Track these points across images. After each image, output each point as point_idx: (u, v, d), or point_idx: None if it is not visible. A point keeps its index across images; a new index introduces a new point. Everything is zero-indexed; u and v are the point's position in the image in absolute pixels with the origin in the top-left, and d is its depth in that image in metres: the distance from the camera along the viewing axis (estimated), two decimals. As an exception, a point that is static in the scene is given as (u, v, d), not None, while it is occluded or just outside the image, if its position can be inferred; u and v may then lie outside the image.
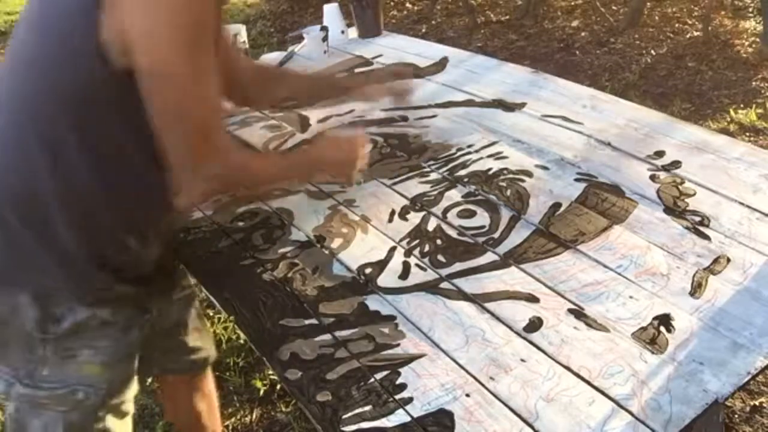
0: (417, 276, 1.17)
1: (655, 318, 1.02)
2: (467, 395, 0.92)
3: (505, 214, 1.30)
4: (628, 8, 4.52)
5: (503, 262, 1.18)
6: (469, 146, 1.56)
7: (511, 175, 1.43)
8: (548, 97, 1.76)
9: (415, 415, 0.90)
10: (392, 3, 5.44)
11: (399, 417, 0.91)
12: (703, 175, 1.36)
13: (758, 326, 0.99)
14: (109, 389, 1.10)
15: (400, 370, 0.98)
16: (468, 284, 1.13)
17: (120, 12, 0.88)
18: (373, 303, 1.12)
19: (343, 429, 0.90)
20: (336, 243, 1.28)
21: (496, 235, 1.25)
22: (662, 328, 1.00)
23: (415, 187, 1.44)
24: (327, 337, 1.06)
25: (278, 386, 1.94)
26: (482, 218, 1.30)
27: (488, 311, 1.07)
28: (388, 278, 1.17)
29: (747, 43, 3.90)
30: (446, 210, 1.34)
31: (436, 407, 0.91)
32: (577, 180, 1.39)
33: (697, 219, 1.23)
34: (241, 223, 1.39)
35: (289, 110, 1.85)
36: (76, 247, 1.02)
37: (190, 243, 1.35)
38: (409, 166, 1.52)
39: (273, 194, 1.45)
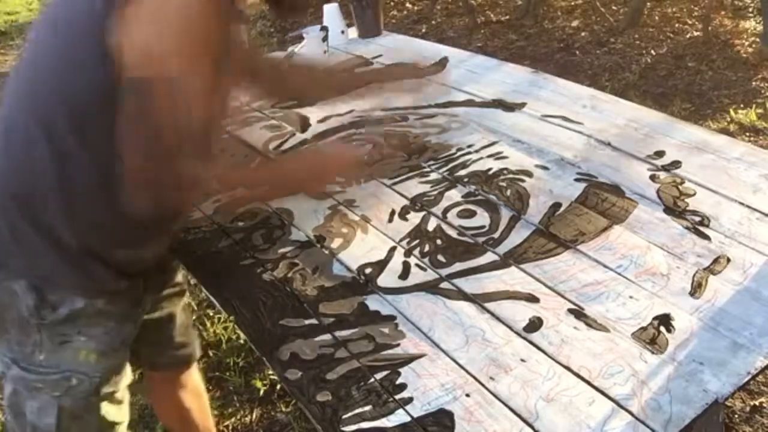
0: (417, 276, 1.17)
1: (655, 318, 1.02)
2: (467, 395, 0.92)
3: (505, 214, 1.30)
4: (628, 8, 4.52)
5: (503, 262, 1.18)
6: (469, 146, 1.56)
7: (511, 175, 1.43)
8: (548, 97, 1.76)
9: (415, 415, 0.90)
10: (392, 3, 5.44)
11: (399, 417, 0.91)
12: (703, 175, 1.36)
13: (758, 326, 0.99)
14: (102, 377, 1.12)
15: (400, 370, 0.98)
16: (468, 284, 1.13)
17: (126, 20, 0.89)
18: (373, 303, 1.12)
19: (343, 429, 0.90)
20: (336, 243, 1.28)
21: (496, 235, 1.25)
22: (662, 328, 1.00)
23: (415, 187, 1.44)
24: (327, 337, 1.06)
25: (278, 386, 1.94)
26: (482, 218, 1.30)
27: (488, 311, 1.07)
28: (388, 278, 1.17)
29: (747, 43, 3.90)
30: (446, 210, 1.34)
31: (436, 407, 0.91)
32: (577, 180, 1.39)
33: (697, 219, 1.23)
34: (241, 223, 1.39)
35: (291, 109, 1.85)
36: (75, 243, 1.03)
37: (190, 243, 1.35)
38: (409, 166, 1.52)
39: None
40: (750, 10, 4.28)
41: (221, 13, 0.93)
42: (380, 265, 1.21)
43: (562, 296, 1.08)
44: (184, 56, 0.91)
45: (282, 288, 1.18)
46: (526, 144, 1.55)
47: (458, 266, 1.18)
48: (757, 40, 3.87)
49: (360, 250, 1.26)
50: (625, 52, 4.05)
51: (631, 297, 1.06)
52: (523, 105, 1.73)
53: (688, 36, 4.13)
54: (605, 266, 1.14)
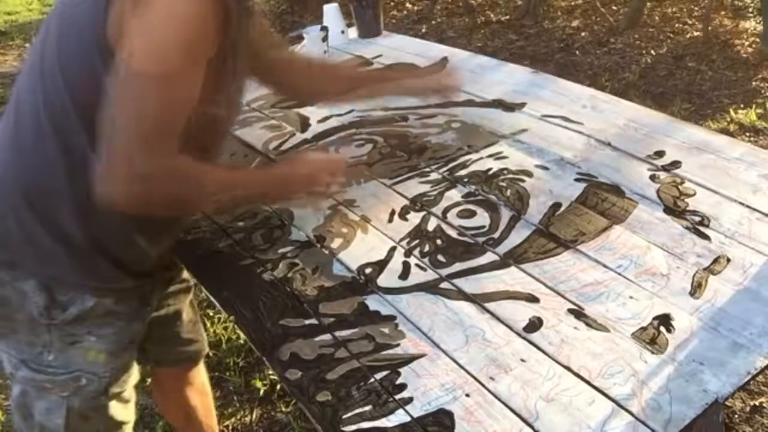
0: (417, 276, 1.17)
1: (655, 318, 1.02)
2: (467, 395, 0.92)
3: (505, 214, 1.30)
4: (628, 8, 4.52)
5: (503, 262, 1.18)
6: (469, 146, 1.56)
7: (511, 175, 1.43)
8: (548, 97, 1.76)
9: (415, 415, 0.90)
10: (392, 3, 5.45)
11: (399, 417, 0.91)
12: (703, 175, 1.36)
13: (758, 326, 0.99)
14: (111, 377, 1.13)
15: (400, 370, 0.98)
16: (468, 284, 1.13)
17: (125, 15, 0.90)
18: (373, 303, 1.12)
19: (343, 429, 0.90)
20: (336, 243, 1.28)
21: (496, 235, 1.25)
22: (662, 328, 1.00)
23: (415, 187, 1.44)
24: (327, 337, 1.06)
25: (278, 386, 1.94)
26: (482, 218, 1.30)
27: (488, 311, 1.07)
28: (388, 278, 1.17)
29: (747, 43, 3.90)
30: (446, 210, 1.34)
31: (436, 407, 0.91)
32: (577, 180, 1.39)
33: (697, 219, 1.23)
34: (241, 223, 1.39)
35: (291, 109, 1.85)
36: (84, 242, 1.04)
37: (190, 243, 1.35)
38: (409, 166, 1.52)
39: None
40: (750, 10, 4.28)
41: (223, 11, 0.93)
42: (380, 265, 1.20)
43: (562, 296, 1.08)
44: (180, 53, 0.91)
45: (282, 288, 1.18)
46: (526, 144, 1.55)
47: (458, 266, 1.18)
48: (757, 40, 3.88)
49: (360, 250, 1.26)
50: (625, 52, 4.05)
51: (631, 297, 1.06)
52: (523, 105, 1.73)
53: (688, 36, 4.13)
54: (605, 266, 1.14)
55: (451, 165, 1.50)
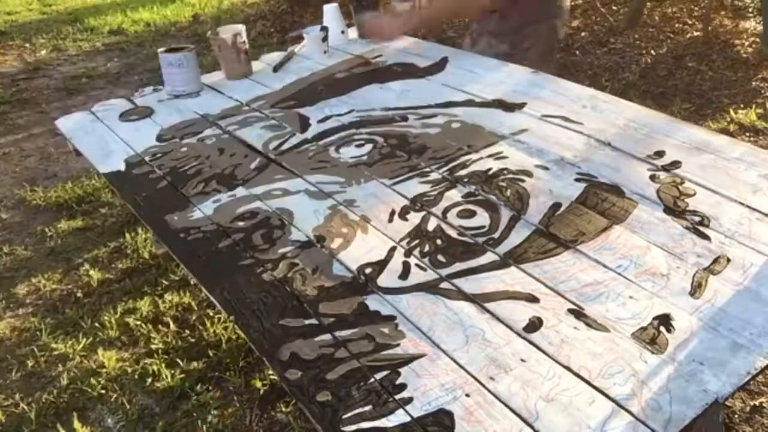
0: (417, 276, 1.17)
1: (655, 318, 1.02)
2: (467, 395, 0.92)
3: (505, 214, 1.30)
4: (628, 8, 4.52)
5: (503, 262, 1.18)
6: (469, 146, 1.56)
7: (511, 175, 1.43)
8: (548, 97, 1.76)
9: (415, 415, 0.90)
10: (392, 3, 5.43)
11: (399, 417, 0.91)
12: (703, 175, 1.36)
13: (758, 326, 0.99)
14: None
15: (400, 370, 0.98)
16: (468, 284, 1.13)
17: None
18: (373, 303, 1.12)
19: (343, 429, 0.90)
20: (336, 243, 1.28)
21: (496, 235, 1.25)
22: (662, 328, 1.00)
23: (415, 187, 1.44)
24: (327, 337, 1.06)
25: (278, 386, 1.94)
26: (482, 218, 1.30)
27: (488, 311, 1.07)
28: (388, 278, 1.17)
29: (747, 43, 3.90)
30: (446, 210, 1.34)
31: (436, 407, 0.91)
32: (577, 180, 1.39)
33: (697, 219, 1.23)
34: (241, 223, 1.39)
35: (291, 109, 1.85)
36: None
37: (190, 243, 1.36)
38: (409, 166, 1.52)
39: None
40: (750, 10, 4.28)
41: None
42: (380, 265, 1.21)
43: (562, 296, 1.08)
44: None
45: (282, 288, 1.18)
46: (526, 144, 1.55)
47: (458, 266, 1.18)
48: (757, 40, 3.88)
49: (360, 250, 1.26)
50: (625, 52, 4.05)
51: (631, 297, 1.06)
52: (523, 105, 1.73)
53: (688, 36, 4.13)
54: (605, 266, 1.14)
55: (451, 165, 1.50)
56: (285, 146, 1.69)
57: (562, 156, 1.48)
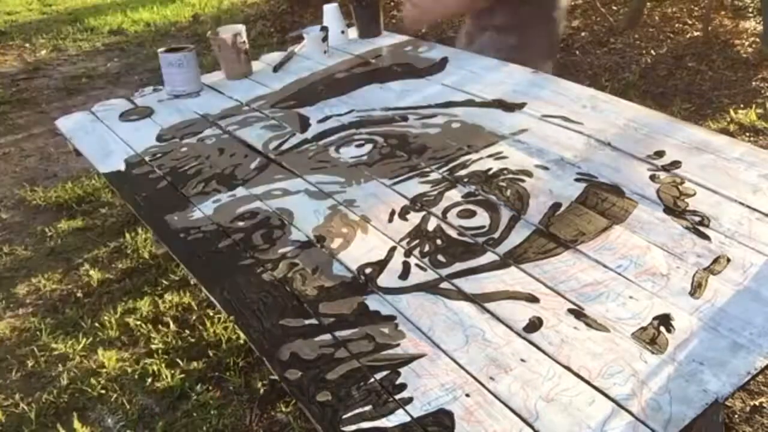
0: (417, 276, 1.17)
1: (655, 318, 1.02)
2: (467, 395, 0.92)
3: (505, 214, 1.30)
4: (628, 8, 4.52)
5: (503, 262, 1.18)
6: (469, 146, 1.56)
7: (511, 175, 1.43)
8: (548, 97, 1.76)
9: (415, 415, 0.90)
10: (392, 3, 5.44)
11: (399, 417, 0.91)
12: (703, 175, 1.36)
13: (758, 326, 0.99)
14: None
15: (400, 370, 0.98)
16: (468, 284, 1.13)
17: None
18: (373, 303, 1.12)
19: (343, 429, 0.90)
20: (336, 243, 1.28)
21: (496, 235, 1.25)
22: (662, 328, 1.00)
23: (415, 187, 1.44)
24: (327, 337, 1.06)
25: (278, 386, 1.94)
26: (482, 218, 1.30)
27: (488, 311, 1.07)
28: (388, 278, 1.17)
29: (747, 43, 3.90)
30: (446, 210, 1.34)
31: (436, 407, 0.91)
32: (577, 180, 1.39)
33: (697, 219, 1.23)
34: (241, 223, 1.39)
35: (291, 109, 1.85)
36: None
37: (190, 243, 1.35)
38: (409, 166, 1.52)
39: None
40: (750, 10, 4.28)
41: None
42: (380, 265, 1.21)
43: (562, 296, 1.08)
44: None
45: (282, 288, 1.18)
46: (526, 144, 1.55)
47: (458, 266, 1.18)
48: (757, 40, 3.88)
49: (360, 250, 1.26)
50: (625, 52, 4.05)
51: (631, 297, 1.06)
52: (523, 105, 1.73)
53: (688, 36, 4.13)
54: (605, 266, 1.14)
55: (451, 165, 1.50)
56: (285, 146, 1.69)
57: (562, 156, 1.48)
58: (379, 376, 0.97)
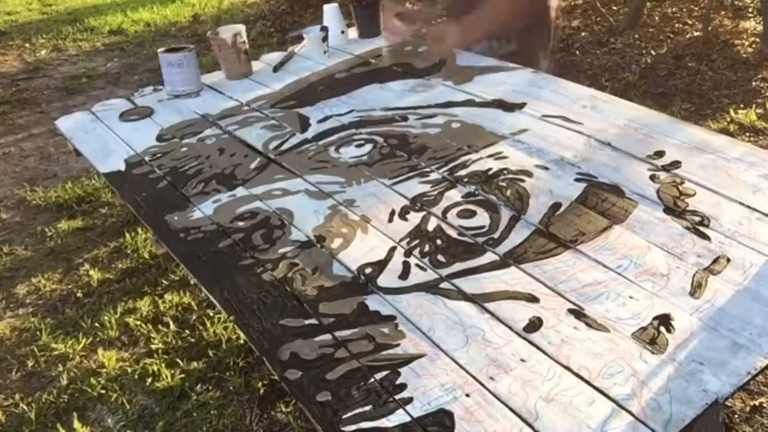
0: (417, 276, 1.17)
1: (655, 318, 1.02)
2: (467, 395, 0.92)
3: (505, 214, 1.30)
4: (628, 8, 4.52)
5: (503, 262, 1.18)
6: (469, 146, 1.56)
7: (511, 175, 1.43)
8: (548, 97, 1.76)
9: (415, 415, 0.90)
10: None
11: (399, 417, 0.91)
12: (703, 175, 1.36)
13: (758, 326, 0.99)
14: None
15: (400, 370, 0.98)
16: (468, 284, 1.13)
17: None
18: (373, 303, 1.12)
19: (343, 429, 0.90)
20: (336, 243, 1.28)
21: (496, 235, 1.25)
22: (662, 328, 1.00)
23: (415, 187, 1.44)
24: (327, 337, 1.06)
25: (278, 386, 1.94)
26: (482, 218, 1.30)
27: (488, 311, 1.07)
28: (388, 278, 1.17)
29: (747, 43, 3.90)
30: (446, 210, 1.34)
31: (436, 407, 0.91)
32: (577, 180, 1.39)
33: (697, 219, 1.23)
34: (241, 223, 1.39)
35: (291, 109, 1.85)
36: None
37: (190, 243, 1.36)
38: (409, 166, 1.52)
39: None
40: (750, 10, 4.28)
41: None
42: (380, 265, 1.21)
43: (562, 296, 1.08)
44: None
45: (282, 288, 1.18)
46: (526, 144, 1.55)
47: (458, 266, 1.18)
48: (757, 40, 3.88)
49: (360, 250, 1.26)
50: (625, 52, 4.05)
51: (631, 297, 1.06)
52: (523, 105, 1.73)
53: (688, 36, 4.13)
54: (605, 266, 1.14)
55: (451, 165, 1.50)
56: (285, 146, 1.69)
57: (562, 156, 1.48)
58: (379, 376, 0.97)
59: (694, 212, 1.25)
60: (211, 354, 2.10)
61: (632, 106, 1.71)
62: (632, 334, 0.99)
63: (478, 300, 1.09)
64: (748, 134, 3.06)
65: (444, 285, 1.14)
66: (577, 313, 1.04)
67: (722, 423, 0.92)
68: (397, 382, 0.96)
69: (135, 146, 1.80)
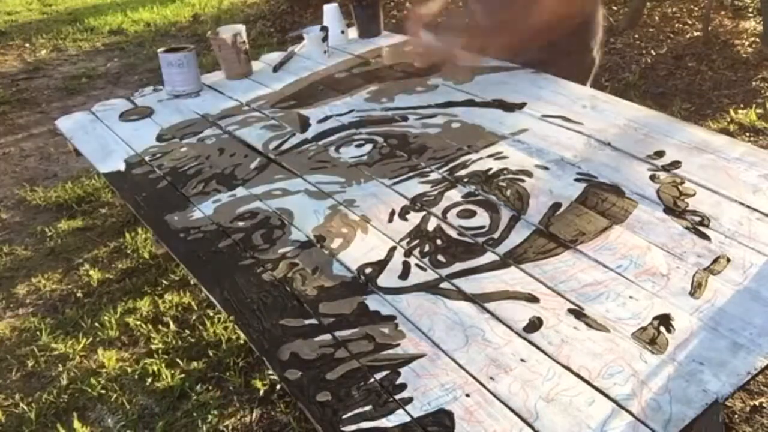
0: (417, 276, 1.17)
1: (655, 318, 1.02)
2: (467, 395, 0.92)
3: (505, 214, 1.30)
4: (628, 8, 4.52)
5: (503, 262, 1.18)
6: (469, 146, 1.56)
7: (511, 175, 1.43)
8: (548, 97, 1.76)
9: (415, 415, 0.90)
10: (392, 3, 5.45)
11: (399, 417, 0.91)
12: (703, 175, 1.36)
13: (758, 326, 0.99)
14: None
15: (400, 370, 0.98)
16: (468, 284, 1.13)
17: None
18: (373, 303, 1.12)
19: (343, 429, 0.90)
20: (336, 243, 1.28)
21: (496, 235, 1.25)
22: (662, 328, 1.00)
23: (415, 187, 1.44)
24: (327, 337, 1.06)
25: (278, 386, 1.94)
26: (482, 218, 1.30)
27: (488, 311, 1.07)
28: (388, 278, 1.17)
29: (747, 43, 3.90)
30: (446, 210, 1.34)
31: (436, 407, 0.91)
32: (577, 180, 1.39)
33: (697, 219, 1.23)
34: (241, 223, 1.39)
35: (291, 109, 1.85)
36: None
37: (190, 243, 1.35)
38: (409, 166, 1.52)
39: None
40: (750, 10, 4.28)
41: None
42: (380, 265, 1.21)
43: (562, 296, 1.08)
44: None
45: (282, 288, 1.18)
46: (526, 144, 1.55)
47: (458, 266, 1.18)
48: (757, 40, 3.88)
49: (360, 250, 1.26)
50: (625, 52, 4.05)
51: (631, 297, 1.06)
52: (523, 105, 1.73)
53: (688, 36, 4.13)
54: (605, 266, 1.14)
55: (451, 165, 1.50)
56: (285, 146, 1.69)
57: (562, 156, 1.48)
58: (379, 376, 0.97)
59: (694, 212, 1.25)
60: (211, 354, 2.10)
61: (632, 106, 1.71)
62: (632, 334, 0.99)
63: (478, 300, 1.09)
64: (748, 134, 3.06)
65: (444, 285, 1.14)
66: (577, 313, 1.04)
67: (722, 423, 0.92)
68: (397, 382, 0.96)
69: (135, 146, 1.80)
